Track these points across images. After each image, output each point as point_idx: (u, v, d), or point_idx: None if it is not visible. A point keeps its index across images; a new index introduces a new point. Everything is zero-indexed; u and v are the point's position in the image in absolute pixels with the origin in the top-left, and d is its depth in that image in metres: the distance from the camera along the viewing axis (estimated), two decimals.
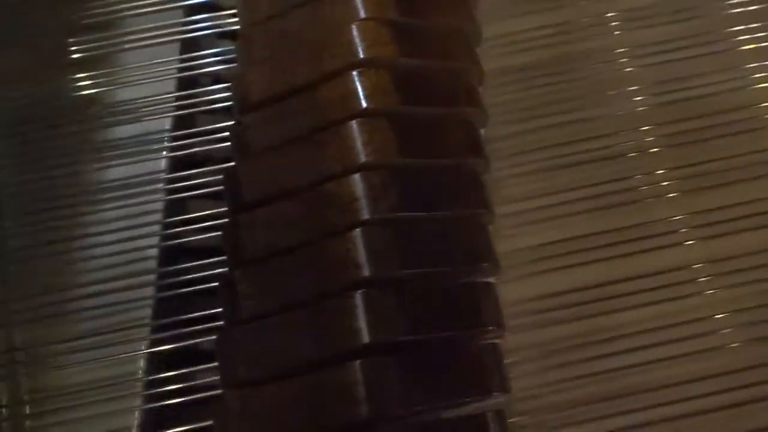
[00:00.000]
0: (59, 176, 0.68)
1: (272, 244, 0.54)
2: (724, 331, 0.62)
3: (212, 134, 0.68)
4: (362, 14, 0.58)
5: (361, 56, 0.56)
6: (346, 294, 0.50)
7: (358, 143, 0.54)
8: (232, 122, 0.66)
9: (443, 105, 0.58)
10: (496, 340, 0.53)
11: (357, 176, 0.53)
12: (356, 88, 0.56)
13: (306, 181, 0.54)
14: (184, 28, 0.73)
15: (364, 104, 0.55)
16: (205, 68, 0.72)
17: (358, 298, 0.50)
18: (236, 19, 0.71)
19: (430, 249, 0.53)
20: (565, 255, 0.64)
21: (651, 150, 0.69)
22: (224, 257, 0.58)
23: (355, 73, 0.56)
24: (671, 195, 0.68)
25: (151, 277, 0.64)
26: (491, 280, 0.54)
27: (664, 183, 0.68)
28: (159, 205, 0.66)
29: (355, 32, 0.57)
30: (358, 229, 0.51)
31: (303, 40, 0.59)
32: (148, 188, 0.67)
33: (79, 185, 0.68)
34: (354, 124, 0.54)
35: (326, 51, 0.57)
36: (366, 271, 0.51)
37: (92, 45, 0.72)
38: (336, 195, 0.53)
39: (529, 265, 0.63)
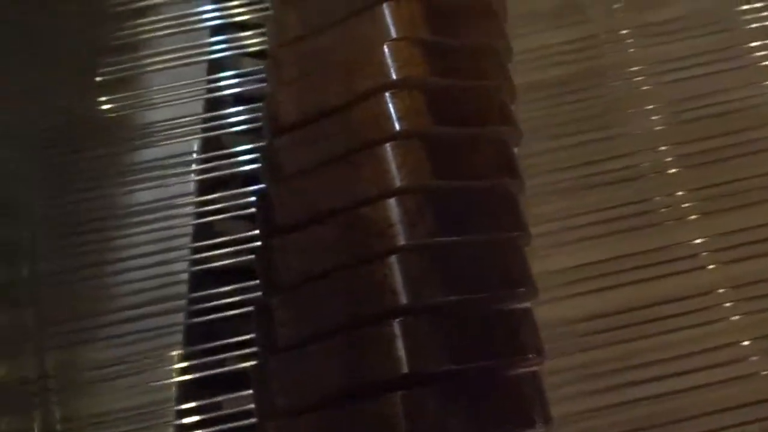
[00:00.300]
0: (88, 199, 0.63)
1: (307, 270, 0.50)
2: (752, 358, 0.58)
3: (239, 155, 0.64)
4: (393, 34, 0.54)
5: (394, 77, 0.53)
6: (384, 322, 0.46)
7: (393, 166, 0.50)
8: (261, 143, 0.62)
9: (477, 124, 0.54)
10: (536, 368, 0.49)
11: (392, 201, 0.49)
12: (389, 110, 0.52)
13: (340, 205, 0.51)
14: (210, 48, 0.68)
15: (397, 126, 0.51)
16: (231, 89, 0.67)
17: (396, 326, 0.46)
18: (261, 39, 0.67)
19: (467, 275, 0.49)
20: (593, 278, 0.61)
21: (670, 171, 0.64)
22: (255, 280, 0.54)
23: (387, 94, 0.52)
24: (692, 217, 0.64)
25: (183, 302, 0.59)
26: (528, 305, 0.50)
27: (684, 205, 0.64)
28: (188, 228, 0.61)
29: (386, 52, 0.53)
30: (394, 256, 0.47)
31: (334, 61, 0.55)
32: (176, 211, 0.62)
33: (108, 208, 0.63)
34: (388, 146, 0.51)
35: (358, 71, 0.54)
36: (404, 299, 0.47)
37: (119, 66, 0.68)
38: (371, 220, 0.49)
39: (559, 288, 0.59)
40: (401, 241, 0.48)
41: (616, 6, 0.71)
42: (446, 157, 0.51)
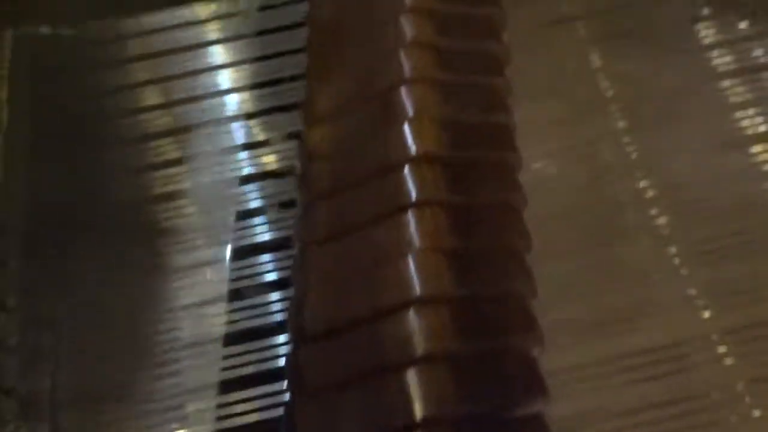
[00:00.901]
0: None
1: None
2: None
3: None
4: (417, 244, 0.48)
5: (418, 294, 0.49)
6: None
7: (418, 395, 0.46)
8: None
9: (502, 335, 0.49)
10: None
11: None
12: (413, 330, 0.47)
13: None
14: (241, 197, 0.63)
15: (421, 350, 0.47)
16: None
17: None
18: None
19: None
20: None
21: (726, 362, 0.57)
22: None
23: (412, 312, 0.48)
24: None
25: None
26: None
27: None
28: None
29: (411, 265, 0.48)
30: None
31: (359, 269, 0.52)
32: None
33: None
34: (412, 373, 0.46)
35: (382, 284, 0.50)
36: None
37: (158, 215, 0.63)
38: None
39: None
40: None
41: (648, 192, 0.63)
42: (471, 380, 0.47)
